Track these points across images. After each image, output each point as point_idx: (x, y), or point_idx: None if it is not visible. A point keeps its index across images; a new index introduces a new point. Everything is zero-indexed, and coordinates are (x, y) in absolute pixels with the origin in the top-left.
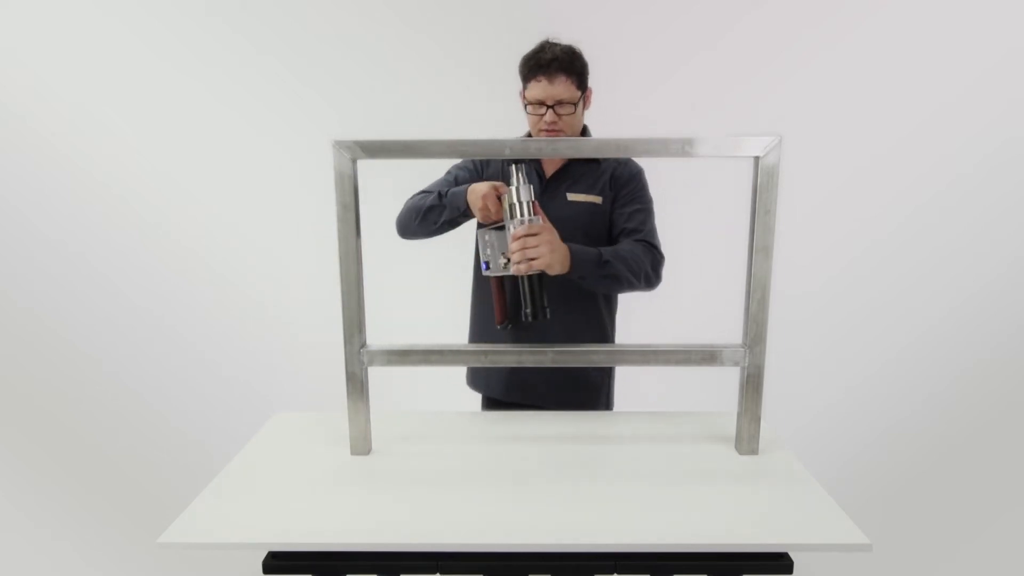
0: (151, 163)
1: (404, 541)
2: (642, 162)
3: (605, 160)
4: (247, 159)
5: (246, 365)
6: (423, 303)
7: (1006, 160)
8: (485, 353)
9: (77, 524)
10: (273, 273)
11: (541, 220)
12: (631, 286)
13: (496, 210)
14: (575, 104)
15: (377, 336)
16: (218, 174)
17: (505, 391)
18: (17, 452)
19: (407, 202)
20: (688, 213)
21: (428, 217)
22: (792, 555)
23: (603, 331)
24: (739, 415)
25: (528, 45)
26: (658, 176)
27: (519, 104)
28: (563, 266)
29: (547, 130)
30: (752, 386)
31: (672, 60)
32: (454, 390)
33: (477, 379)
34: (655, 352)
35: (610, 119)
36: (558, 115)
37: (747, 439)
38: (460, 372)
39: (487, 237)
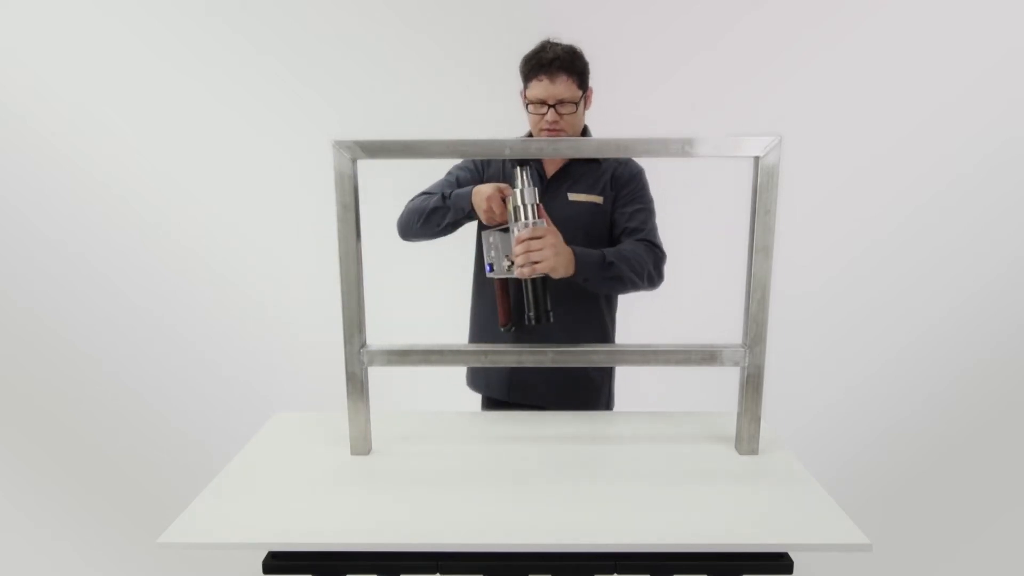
0: (151, 163)
1: (404, 541)
2: (642, 162)
3: (606, 160)
4: (247, 159)
5: (246, 365)
6: (423, 303)
7: (1006, 160)
8: (485, 353)
9: (77, 524)
10: (273, 273)
11: (545, 223)
12: (634, 286)
13: (500, 212)
14: (576, 103)
15: (377, 336)
16: (218, 174)
17: (505, 391)
18: (17, 452)
19: (408, 204)
20: (688, 213)
21: (431, 219)
22: (792, 555)
23: (603, 331)
24: (739, 415)
25: (528, 45)
26: (658, 176)
27: (519, 104)
28: (567, 269)
29: (548, 129)
30: (752, 386)
31: (672, 60)
32: (454, 390)
33: (477, 379)
34: (655, 352)
35: (610, 119)
36: (559, 114)
37: (747, 439)
38: (460, 372)
39: (491, 239)
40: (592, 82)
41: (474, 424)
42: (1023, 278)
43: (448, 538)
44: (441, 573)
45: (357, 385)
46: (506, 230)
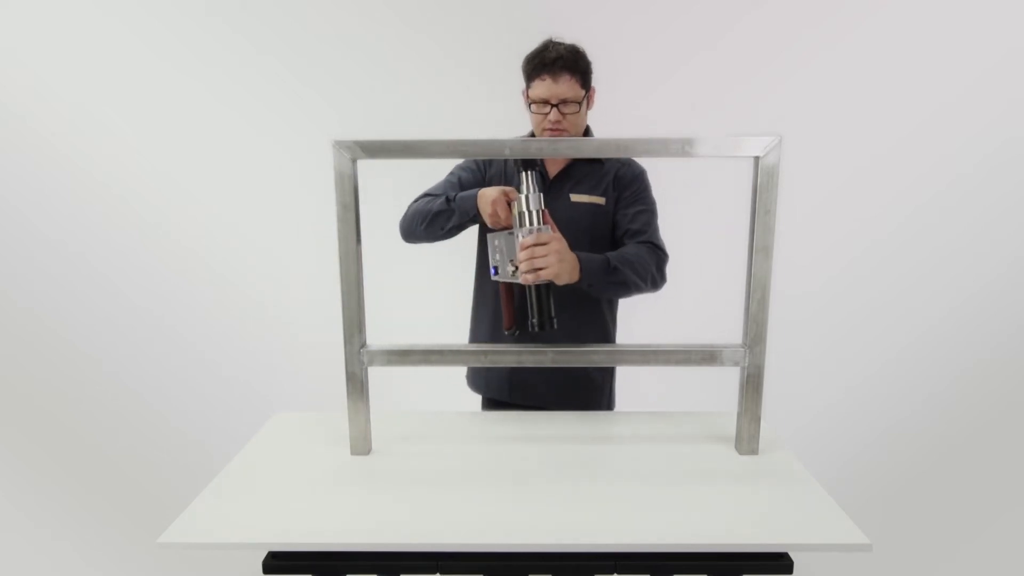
0: (151, 163)
1: (404, 541)
2: (643, 162)
3: (608, 161)
4: (247, 159)
5: (246, 365)
6: (423, 303)
7: (1006, 160)
8: (485, 353)
9: (77, 524)
10: (273, 273)
11: (551, 229)
12: (638, 289)
13: (506, 216)
14: (579, 103)
15: (377, 336)
16: (218, 174)
17: (506, 392)
18: (17, 452)
19: (411, 206)
20: (688, 213)
21: (435, 222)
22: (792, 555)
23: (605, 331)
24: (739, 415)
25: (528, 45)
26: (658, 176)
27: (519, 104)
28: (571, 276)
29: (551, 129)
30: (752, 386)
31: (672, 60)
32: (454, 390)
33: (478, 380)
34: (655, 352)
35: (610, 119)
36: (562, 114)
37: (747, 439)
38: (460, 373)
39: (496, 242)
40: (593, 82)
41: (474, 424)
42: (1023, 278)
43: (448, 538)
44: (441, 573)
45: (357, 385)
46: (512, 233)
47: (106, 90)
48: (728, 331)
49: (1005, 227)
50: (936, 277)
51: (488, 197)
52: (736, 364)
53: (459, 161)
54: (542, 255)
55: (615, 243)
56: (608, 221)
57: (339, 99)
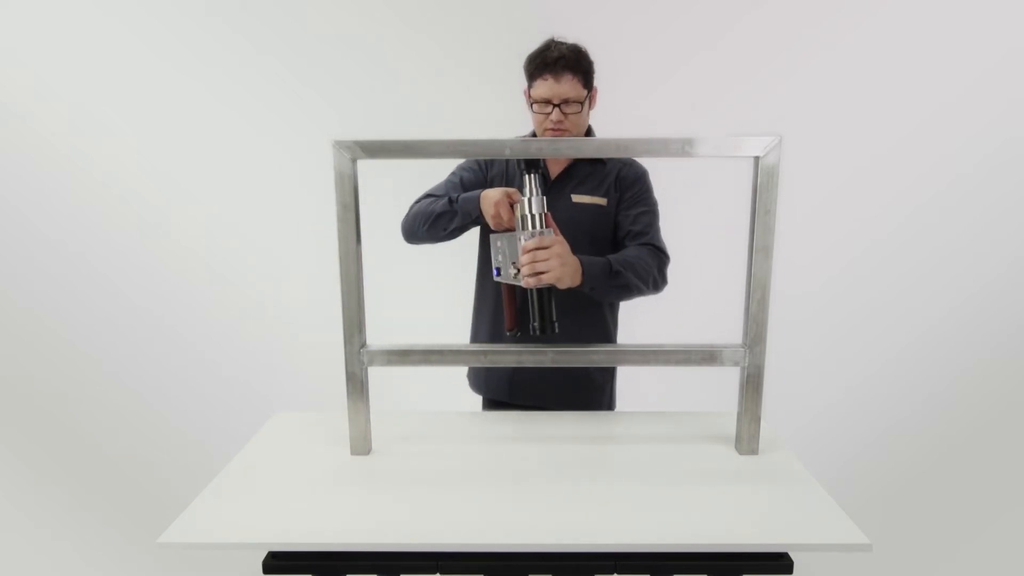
0: (151, 163)
1: (404, 541)
2: (644, 162)
3: (610, 161)
4: (247, 159)
5: (246, 365)
6: (423, 303)
7: (1006, 160)
8: (485, 353)
9: (77, 524)
10: (273, 273)
11: (553, 232)
12: (640, 292)
13: (508, 218)
14: (581, 103)
15: (377, 336)
16: (218, 174)
17: (508, 393)
18: (17, 452)
19: (413, 207)
20: (688, 213)
21: (438, 223)
22: (792, 555)
23: (606, 334)
24: (739, 415)
25: (528, 45)
26: (658, 176)
27: (519, 104)
28: (573, 280)
29: (553, 129)
30: (752, 386)
31: (672, 60)
32: (455, 391)
33: (479, 381)
34: (655, 352)
35: (610, 119)
36: (564, 114)
37: (747, 439)
38: (460, 373)
39: (499, 243)
40: (595, 81)
41: (474, 424)
42: (1023, 278)
43: (448, 538)
44: (441, 573)
45: (357, 385)
46: (514, 235)
47: (106, 90)
48: (728, 331)
49: (1005, 227)
50: (936, 277)
51: (491, 199)
52: (736, 364)
53: (461, 161)
54: (544, 259)
55: (616, 244)
56: (610, 222)
57: (339, 99)
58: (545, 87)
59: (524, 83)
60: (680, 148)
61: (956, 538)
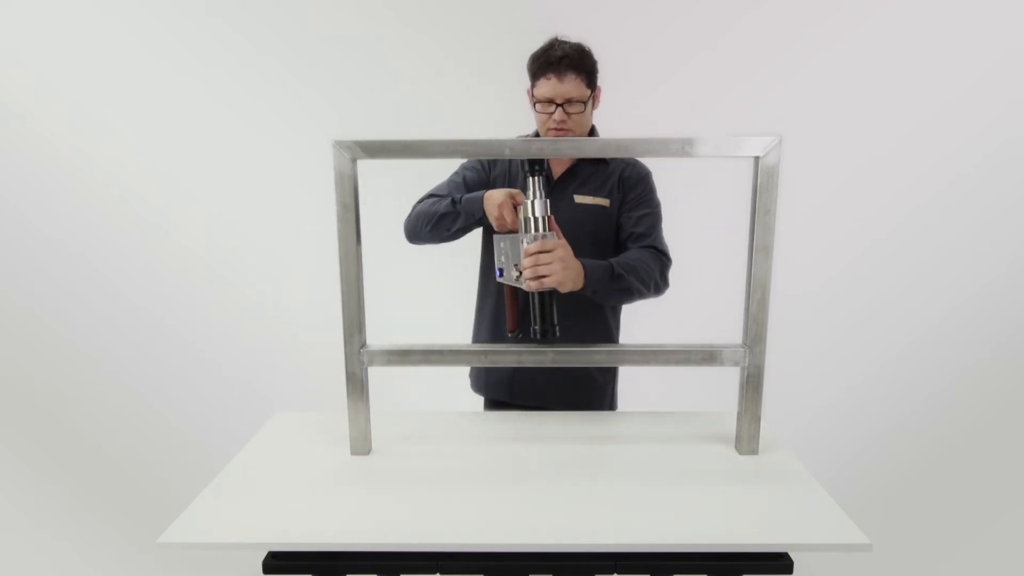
0: (151, 163)
1: (404, 541)
2: (645, 162)
3: (614, 161)
4: (247, 159)
5: (246, 365)
6: (423, 303)
7: (1006, 160)
8: (485, 353)
9: (77, 524)
10: (273, 273)
11: (556, 236)
12: (642, 295)
13: (512, 220)
14: (584, 103)
15: (377, 336)
16: (218, 174)
17: (509, 393)
18: (17, 452)
19: (416, 207)
20: (688, 213)
21: (441, 224)
22: (792, 555)
23: (608, 334)
24: (739, 415)
25: (528, 45)
26: (658, 176)
27: (519, 104)
28: (575, 283)
29: (556, 129)
30: (752, 386)
31: (672, 60)
32: (455, 391)
33: (480, 381)
34: (655, 352)
35: (611, 119)
36: (567, 114)
37: (747, 439)
38: (461, 373)
39: (502, 244)
40: (598, 81)
41: (474, 424)
42: (1023, 278)
43: (448, 538)
44: (441, 573)
45: (357, 385)
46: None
47: (106, 90)
48: (728, 331)
49: (1005, 227)
50: (936, 277)
51: (494, 200)
52: (736, 364)
53: (463, 160)
54: (546, 262)
55: (618, 245)
56: (612, 223)
57: (339, 99)
58: (548, 86)
59: (526, 82)
60: (680, 148)
61: (956, 538)
